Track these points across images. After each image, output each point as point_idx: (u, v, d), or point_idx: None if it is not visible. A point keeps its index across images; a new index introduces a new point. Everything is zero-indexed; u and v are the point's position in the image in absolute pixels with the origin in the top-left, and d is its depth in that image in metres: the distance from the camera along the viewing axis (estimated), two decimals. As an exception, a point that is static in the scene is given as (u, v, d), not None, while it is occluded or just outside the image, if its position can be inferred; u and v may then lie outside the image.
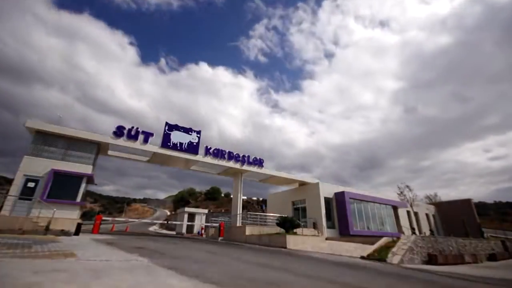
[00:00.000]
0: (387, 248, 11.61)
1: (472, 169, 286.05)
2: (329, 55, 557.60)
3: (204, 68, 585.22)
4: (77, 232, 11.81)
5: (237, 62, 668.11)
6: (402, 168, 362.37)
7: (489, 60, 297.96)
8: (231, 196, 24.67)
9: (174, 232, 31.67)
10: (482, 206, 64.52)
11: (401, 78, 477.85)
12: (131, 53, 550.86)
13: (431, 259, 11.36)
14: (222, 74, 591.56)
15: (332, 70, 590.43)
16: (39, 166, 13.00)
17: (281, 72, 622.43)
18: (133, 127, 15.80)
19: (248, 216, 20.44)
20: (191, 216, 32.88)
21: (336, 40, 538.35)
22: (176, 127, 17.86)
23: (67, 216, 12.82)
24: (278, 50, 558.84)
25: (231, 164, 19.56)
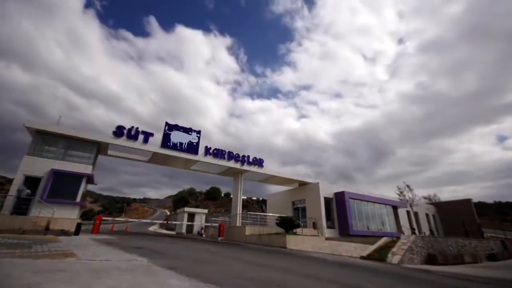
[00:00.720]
0: (387, 248, 11.60)
1: (483, 161, 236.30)
2: (308, 1, 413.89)
3: (159, 32, 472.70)
4: (77, 232, 11.80)
5: (196, 15, 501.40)
6: (405, 160, 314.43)
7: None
8: (231, 196, 24.67)
9: (174, 232, 31.65)
10: (482, 206, 64.56)
11: (403, 39, 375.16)
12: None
13: (431, 259, 11.37)
14: (186, 33, 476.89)
15: (313, 25, 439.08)
16: (39, 166, 13.00)
17: (253, 32, 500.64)
18: (133, 127, 15.81)
19: (248, 216, 20.44)
20: (191, 216, 32.83)
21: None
22: (176, 127, 17.87)
23: (67, 216, 12.83)
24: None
25: (231, 164, 19.56)
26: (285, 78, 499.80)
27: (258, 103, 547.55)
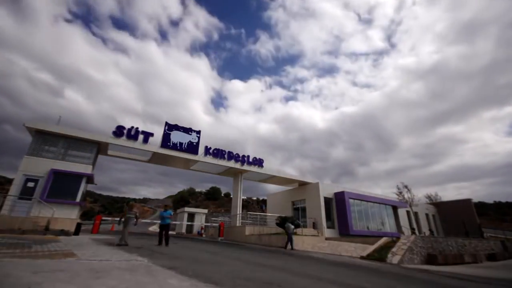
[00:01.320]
0: (387, 248, 11.60)
1: (493, 152, 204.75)
2: None
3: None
4: (76, 232, 11.80)
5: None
6: (408, 152, 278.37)
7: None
8: (231, 196, 24.67)
9: (174, 232, 31.65)
10: (482, 206, 64.59)
11: None
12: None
13: (431, 259, 11.36)
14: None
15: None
16: (39, 166, 13.01)
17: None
18: (132, 127, 15.82)
19: (248, 216, 20.45)
20: (191, 216, 32.82)
21: None
22: (176, 127, 17.89)
23: (66, 216, 12.83)
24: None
25: (231, 164, 19.56)
26: (262, 47, 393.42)
27: (239, 84, 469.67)
